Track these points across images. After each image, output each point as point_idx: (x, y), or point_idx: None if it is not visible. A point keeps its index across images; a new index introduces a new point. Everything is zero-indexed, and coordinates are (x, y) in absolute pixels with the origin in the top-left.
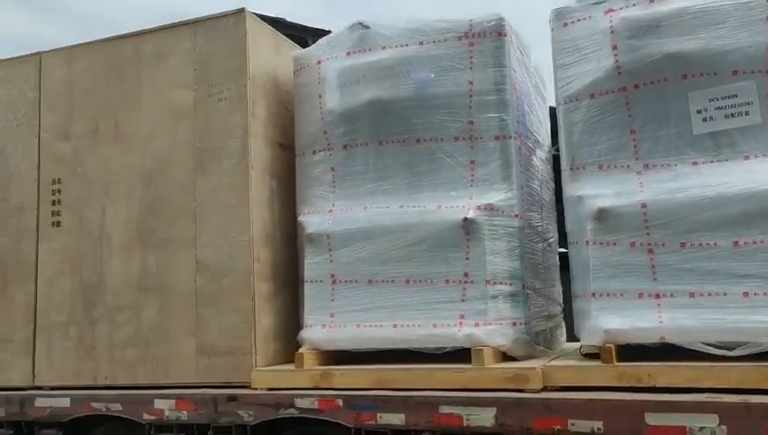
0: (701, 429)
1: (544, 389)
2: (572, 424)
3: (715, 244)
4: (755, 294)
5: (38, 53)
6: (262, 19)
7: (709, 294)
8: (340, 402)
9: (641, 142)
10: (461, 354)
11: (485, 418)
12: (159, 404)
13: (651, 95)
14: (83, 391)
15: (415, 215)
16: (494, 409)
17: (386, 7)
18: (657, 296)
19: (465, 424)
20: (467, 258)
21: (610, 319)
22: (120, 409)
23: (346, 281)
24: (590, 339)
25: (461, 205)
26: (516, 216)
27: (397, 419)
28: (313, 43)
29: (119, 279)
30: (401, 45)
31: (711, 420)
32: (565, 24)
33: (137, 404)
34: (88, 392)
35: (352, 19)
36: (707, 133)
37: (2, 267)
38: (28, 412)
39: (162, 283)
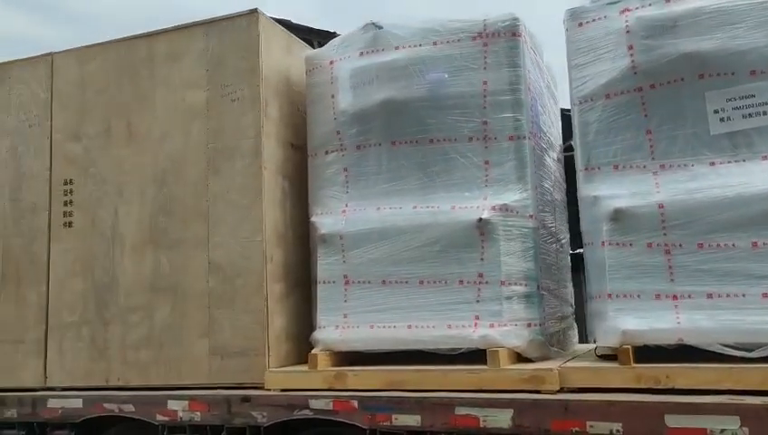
0: (722, 431)
1: (561, 390)
2: (591, 426)
3: (733, 245)
4: None
5: (50, 54)
6: None
7: (727, 296)
8: (355, 403)
9: (657, 143)
10: (475, 355)
11: (502, 419)
12: (173, 405)
13: (667, 95)
14: (96, 392)
15: (428, 215)
16: (512, 410)
17: (384, 9)
18: (675, 297)
19: (481, 425)
20: (482, 259)
21: (627, 320)
22: (133, 410)
23: (359, 282)
24: (606, 340)
25: (475, 205)
26: (531, 216)
27: (412, 420)
28: (319, 44)
29: (131, 280)
30: (415, 45)
31: (733, 422)
32: (580, 24)
33: (150, 405)
34: (100, 393)
35: (346, 23)
36: (724, 133)
37: (14, 268)
38: (40, 413)
39: (175, 283)
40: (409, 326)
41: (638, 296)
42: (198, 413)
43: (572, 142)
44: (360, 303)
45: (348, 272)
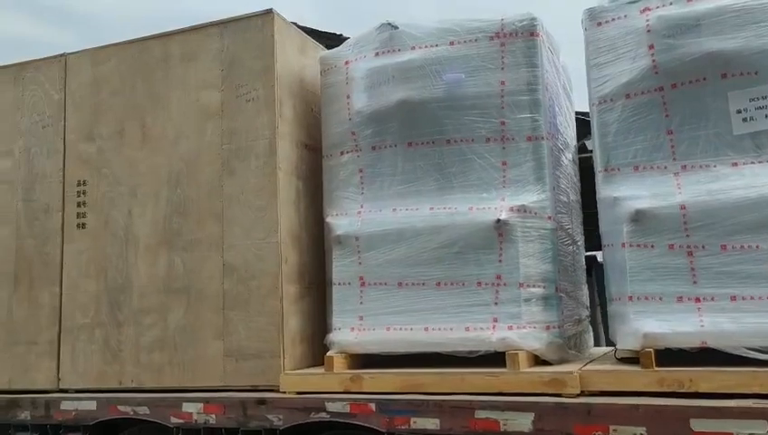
0: None
1: (581, 393)
2: (614, 430)
3: (757, 246)
4: None
5: (63, 55)
6: None
7: (752, 298)
8: (373, 406)
9: (678, 143)
10: (492, 358)
11: (523, 423)
12: (187, 407)
13: (689, 95)
14: (109, 394)
15: (446, 217)
16: (532, 414)
17: (382, 11)
18: (698, 300)
19: (501, 429)
20: (500, 261)
21: (649, 323)
22: (148, 412)
23: (375, 283)
24: (627, 343)
25: (493, 206)
26: (549, 217)
27: (431, 423)
28: (328, 47)
29: (145, 281)
30: (431, 45)
31: (760, 427)
32: (599, 24)
33: (164, 407)
34: (114, 395)
35: (345, 25)
36: (747, 134)
37: (27, 268)
38: (53, 415)
39: (189, 285)
40: (426, 329)
41: (660, 299)
42: (213, 416)
43: (585, 142)
44: (375, 305)
45: (363, 273)
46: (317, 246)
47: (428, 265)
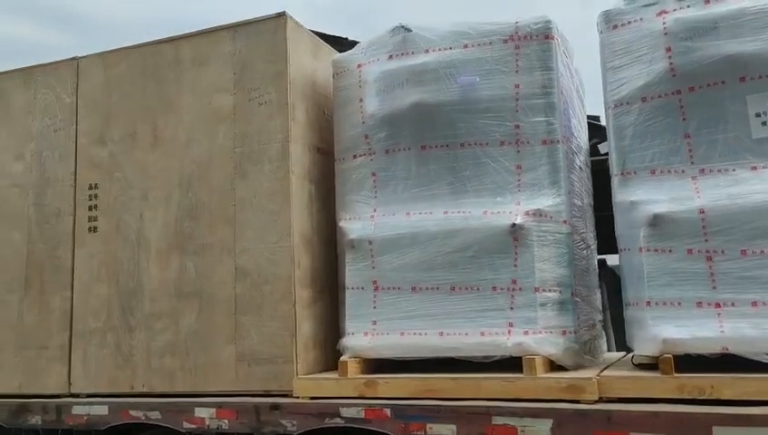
0: None
1: (599, 400)
2: None
3: None
4: None
5: (75, 58)
6: None
7: None
8: (388, 412)
9: (696, 147)
10: (507, 363)
11: (542, 429)
12: (200, 412)
13: (707, 98)
14: (121, 398)
15: (460, 221)
16: (551, 420)
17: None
18: (718, 305)
19: None
20: (515, 265)
21: (668, 328)
22: (160, 417)
23: (389, 288)
24: (645, 349)
25: (508, 210)
26: (565, 222)
27: (447, 429)
28: (338, 50)
29: (156, 285)
30: (445, 48)
31: None
32: (615, 27)
33: (176, 412)
34: (126, 400)
35: (342, 27)
36: (766, 137)
37: (38, 273)
38: (65, 420)
39: (201, 289)
40: (441, 333)
41: (679, 304)
42: (226, 421)
43: (599, 146)
44: (389, 309)
45: (377, 278)
46: (329, 250)
47: (443, 269)
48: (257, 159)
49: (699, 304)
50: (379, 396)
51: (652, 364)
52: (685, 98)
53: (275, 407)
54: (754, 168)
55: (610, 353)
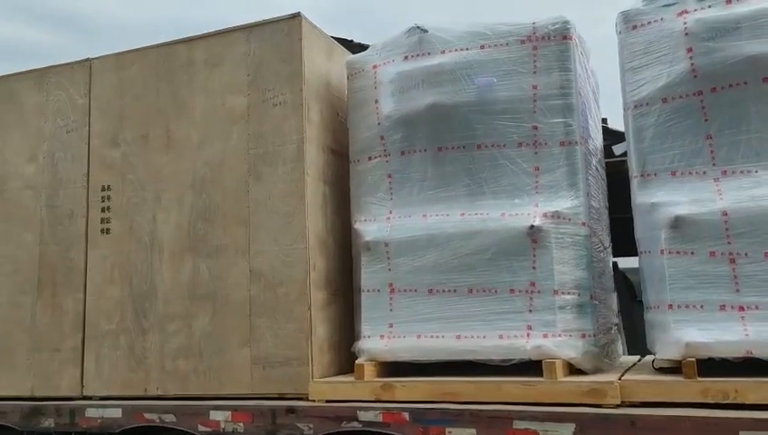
0: None
1: (621, 404)
2: None
3: None
4: None
5: (88, 59)
6: None
7: None
8: (407, 416)
9: (718, 148)
10: (525, 367)
11: (564, 434)
12: (215, 415)
13: (729, 99)
14: (134, 401)
15: (478, 222)
16: (573, 425)
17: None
18: (741, 308)
19: None
20: (534, 267)
21: (690, 332)
22: (174, 420)
23: (405, 290)
24: (667, 352)
25: (526, 212)
26: (583, 224)
27: (467, 433)
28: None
29: (169, 287)
30: (462, 49)
31: None
32: (634, 27)
33: (191, 415)
34: (141, 403)
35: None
36: None
37: (50, 275)
38: (78, 423)
39: (215, 291)
40: (458, 336)
41: (702, 307)
42: (242, 424)
43: (614, 147)
44: (406, 312)
45: (393, 280)
46: (343, 252)
47: (460, 271)
48: (271, 161)
49: (723, 307)
50: (396, 400)
51: (673, 368)
52: (706, 99)
53: (291, 410)
54: None
55: (625, 357)
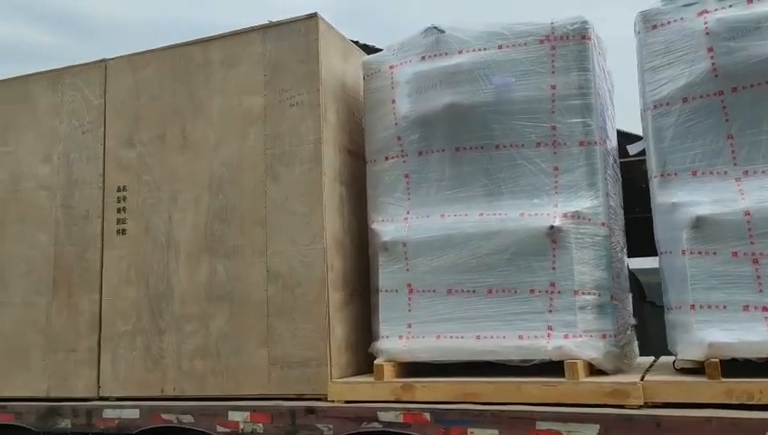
0: None
1: (644, 405)
2: None
3: None
4: None
5: (103, 60)
6: None
7: None
8: (428, 416)
9: (739, 148)
10: (544, 367)
11: None
12: (234, 416)
13: (751, 99)
14: (152, 402)
15: (496, 223)
16: (598, 426)
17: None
18: (765, 309)
19: None
20: (554, 268)
21: (713, 332)
22: (193, 421)
23: (424, 290)
24: (689, 353)
25: (545, 212)
26: (603, 224)
27: (489, 434)
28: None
29: (186, 288)
30: (479, 49)
31: None
32: (654, 27)
33: (210, 416)
34: (158, 403)
35: None
36: None
37: (66, 275)
38: (96, 424)
39: (232, 292)
40: (478, 337)
41: (724, 307)
42: (261, 425)
43: (628, 147)
44: (424, 312)
45: (411, 280)
46: (359, 253)
47: (479, 271)
48: (288, 161)
49: (746, 307)
50: (416, 400)
51: (695, 369)
52: (727, 98)
53: (311, 410)
54: None
55: (639, 358)
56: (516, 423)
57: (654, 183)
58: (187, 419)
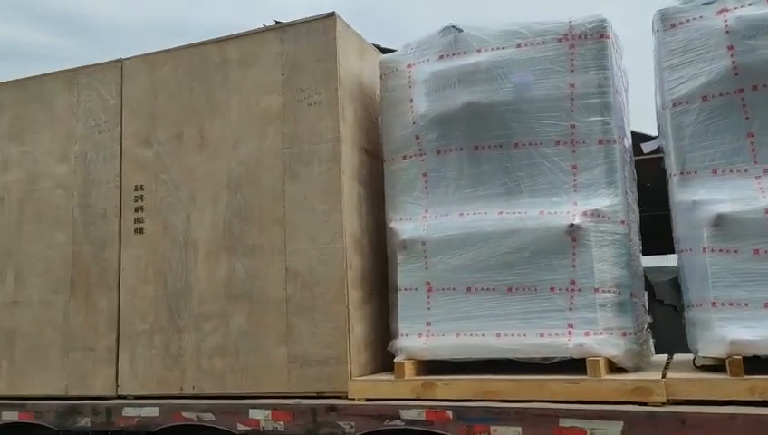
0: None
1: (666, 402)
2: None
3: None
4: None
5: (119, 60)
6: None
7: None
8: (450, 414)
9: (760, 146)
10: (565, 365)
11: (612, 432)
12: (254, 414)
13: None
14: (171, 400)
15: (516, 221)
16: (621, 423)
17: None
18: None
19: None
20: (574, 266)
21: (735, 330)
22: (213, 419)
23: (443, 289)
24: (711, 350)
25: (565, 211)
26: (622, 222)
27: (512, 432)
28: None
29: (205, 286)
30: (497, 48)
31: None
32: (672, 25)
33: (230, 414)
34: (178, 402)
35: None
36: None
37: (84, 274)
38: (116, 422)
39: (251, 290)
40: (498, 335)
41: (746, 305)
42: (282, 423)
43: (642, 145)
44: (444, 310)
45: (430, 279)
46: (378, 251)
47: (498, 269)
48: (307, 160)
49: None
50: (437, 398)
51: (715, 366)
52: (747, 96)
53: (332, 408)
54: None
55: (659, 356)
56: (540, 421)
57: (673, 181)
58: (208, 417)
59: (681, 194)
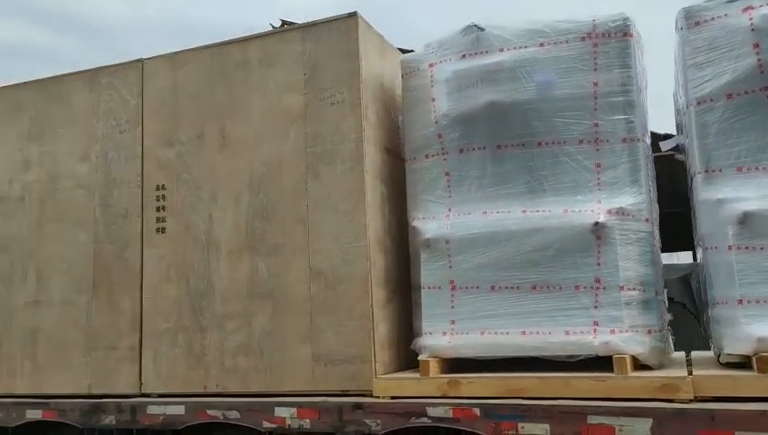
0: None
1: (694, 399)
2: None
3: None
4: None
5: (140, 60)
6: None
7: None
8: (477, 411)
9: None
10: (590, 363)
11: (640, 429)
12: (280, 412)
13: None
14: (196, 398)
15: (540, 219)
16: (650, 420)
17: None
18: None
19: None
20: (598, 264)
21: (762, 327)
22: (238, 416)
23: (467, 287)
24: (737, 347)
25: (589, 209)
26: (647, 220)
27: (540, 429)
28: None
29: (227, 286)
30: (520, 47)
31: None
32: (697, 23)
33: (256, 412)
34: (203, 400)
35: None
36: None
37: (106, 274)
38: (140, 420)
39: (273, 289)
40: (524, 332)
41: None
42: (308, 420)
43: (661, 143)
44: (468, 309)
45: (454, 277)
46: (400, 250)
47: (522, 268)
48: (330, 160)
49: None
50: (462, 395)
51: (741, 363)
52: None
53: (358, 406)
54: None
55: (679, 353)
56: (567, 418)
57: (698, 179)
58: (233, 414)
59: (705, 192)
